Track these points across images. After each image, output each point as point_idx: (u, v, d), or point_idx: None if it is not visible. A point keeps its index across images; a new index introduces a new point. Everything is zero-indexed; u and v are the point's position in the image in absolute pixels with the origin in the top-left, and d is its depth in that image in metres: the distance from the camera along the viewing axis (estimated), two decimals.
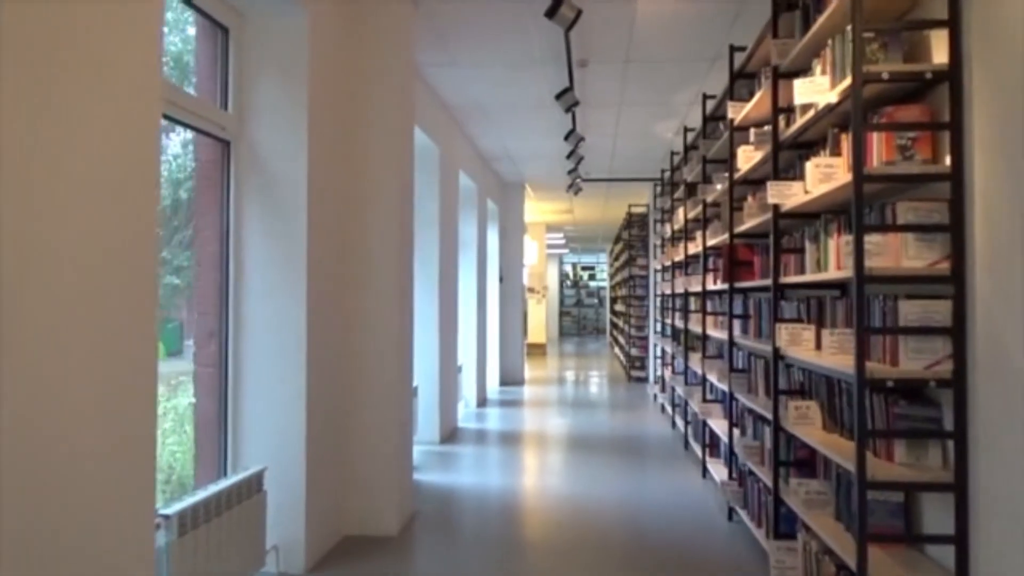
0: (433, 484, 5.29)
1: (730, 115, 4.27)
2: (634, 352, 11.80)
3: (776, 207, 3.35)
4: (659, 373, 9.10)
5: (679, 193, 7.12)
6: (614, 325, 17.44)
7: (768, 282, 3.67)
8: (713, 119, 5.42)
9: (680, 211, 6.83)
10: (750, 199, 4.16)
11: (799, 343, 3.17)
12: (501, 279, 10.91)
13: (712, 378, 5.15)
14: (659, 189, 9.25)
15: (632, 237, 11.97)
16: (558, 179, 10.31)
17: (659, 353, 9.22)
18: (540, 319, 17.58)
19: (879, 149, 2.48)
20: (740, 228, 4.23)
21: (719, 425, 5.02)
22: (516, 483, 5.39)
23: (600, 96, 6.34)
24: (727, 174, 4.69)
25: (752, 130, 4.17)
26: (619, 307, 15.63)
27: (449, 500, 4.94)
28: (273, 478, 3.40)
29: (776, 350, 3.34)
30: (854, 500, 2.67)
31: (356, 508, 4.09)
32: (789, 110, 3.42)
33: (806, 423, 3.05)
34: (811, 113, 2.94)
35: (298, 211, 3.50)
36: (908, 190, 2.59)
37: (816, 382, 3.18)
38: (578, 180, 8.68)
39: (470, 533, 4.28)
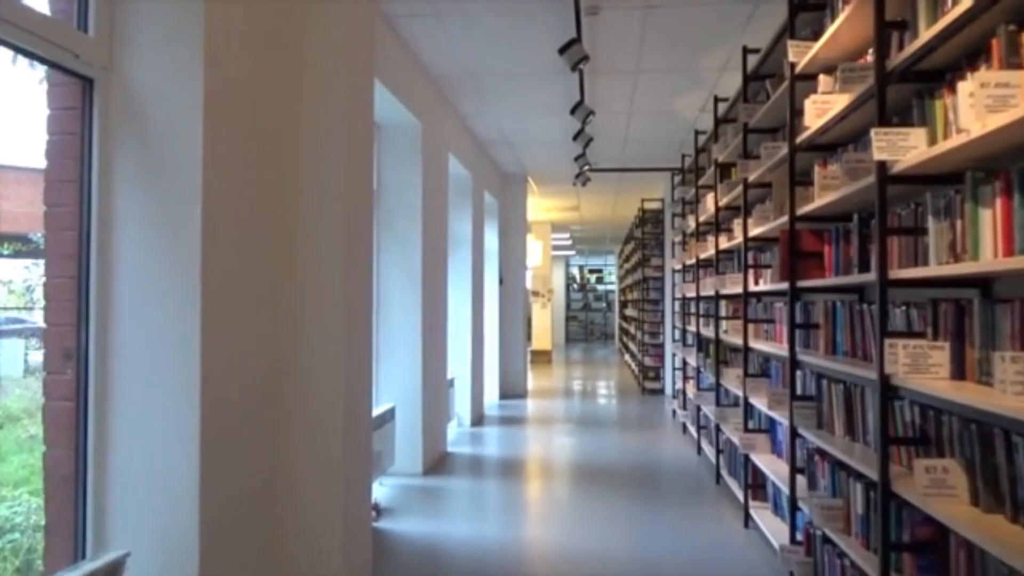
0: (405, 536, 4.23)
1: (792, 58, 3.21)
2: (648, 361, 10.72)
3: (883, 167, 2.29)
4: (678, 386, 8.03)
5: (706, 179, 6.06)
6: (624, 331, 16.37)
7: (861, 278, 2.61)
8: (758, 78, 4.36)
9: (708, 198, 5.76)
10: (820, 170, 3.11)
11: (923, 369, 2.11)
12: (501, 281, 9.86)
13: (758, 402, 4.08)
14: (679, 178, 8.19)
15: (645, 235, 10.90)
16: (563, 170, 9.25)
17: (678, 364, 8.15)
18: (545, 324, 16.52)
19: None
20: (806, 209, 3.18)
21: (768, 463, 3.95)
22: (509, 532, 4.33)
23: (613, 59, 5.29)
24: (782, 141, 3.63)
25: (821, 79, 3.12)
26: (630, 312, 14.55)
27: (421, 559, 3.89)
28: (151, 558, 2.36)
29: (886, 379, 2.27)
30: None
31: None
32: (899, 26, 2.36)
33: (945, 495, 1.98)
34: (957, 12, 1.88)
35: (189, 184, 2.45)
36: None
37: (953, 428, 2.11)
38: (586, 168, 7.62)
39: None
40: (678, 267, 7.85)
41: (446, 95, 6.18)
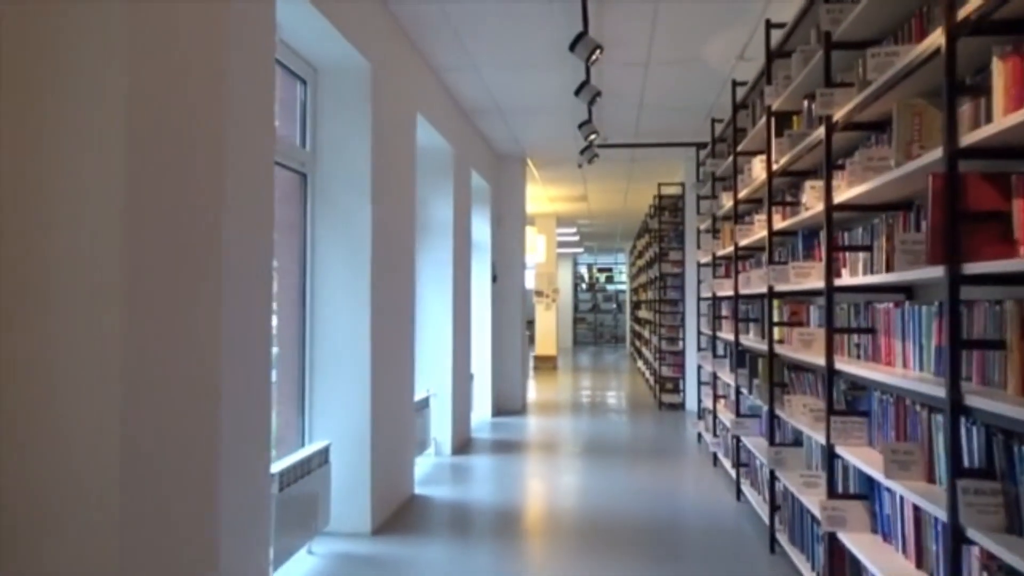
0: None
1: None
2: (665, 371, 9.28)
3: None
4: (706, 405, 6.60)
5: (750, 140, 4.63)
6: (636, 335, 14.92)
7: None
8: None
9: (755, 164, 4.34)
10: (1003, 66, 1.70)
11: None
12: (495, 279, 8.45)
13: (853, 456, 2.66)
14: (707, 152, 6.74)
15: (663, 225, 9.46)
16: (567, 149, 7.85)
17: (705, 378, 6.72)
18: (550, 327, 15.07)
19: None
20: (979, 137, 1.76)
21: (871, 551, 2.52)
22: None
23: None
24: (902, 45, 2.22)
25: None
26: (643, 313, 13.11)
27: None
28: None
29: None
30: None
31: None
32: None
33: None
34: None
35: None
36: None
37: None
38: (593, 138, 6.20)
39: None
40: (706, 260, 6.42)
41: (409, 33, 4.77)
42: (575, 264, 23.74)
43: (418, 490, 5.07)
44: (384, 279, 4.33)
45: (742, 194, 4.76)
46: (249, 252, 2.57)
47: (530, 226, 12.42)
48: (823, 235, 3.30)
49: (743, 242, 4.74)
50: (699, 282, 6.96)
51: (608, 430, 7.76)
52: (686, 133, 7.32)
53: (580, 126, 6.00)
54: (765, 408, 4.33)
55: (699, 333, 7.07)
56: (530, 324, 14.76)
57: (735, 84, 5.07)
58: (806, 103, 3.49)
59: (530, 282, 15.78)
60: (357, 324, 4.09)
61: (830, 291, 2.90)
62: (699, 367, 6.95)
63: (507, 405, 8.65)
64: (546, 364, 14.77)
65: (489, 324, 8.21)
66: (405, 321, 4.87)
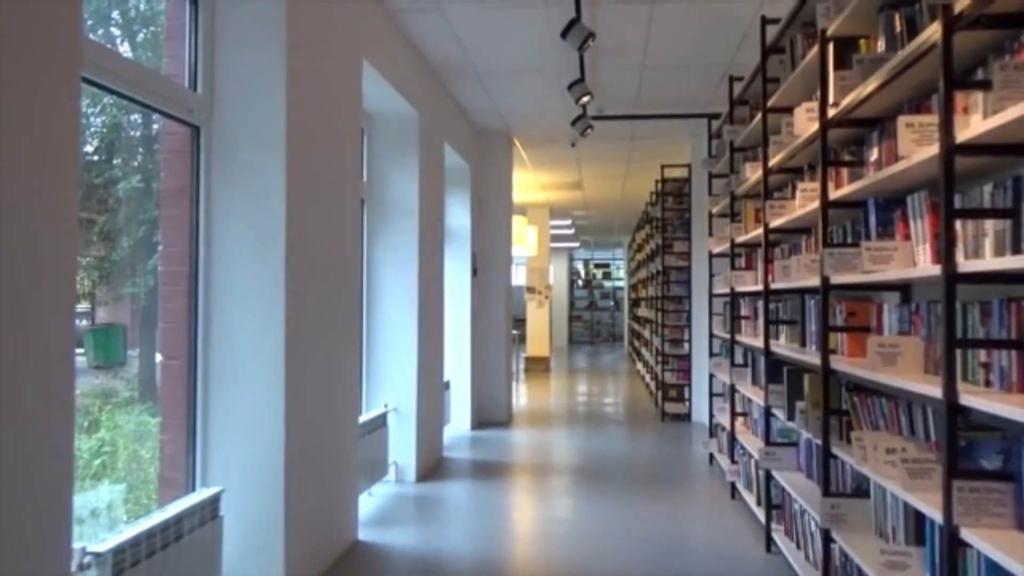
0: None
1: None
2: (668, 377, 8.23)
3: None
4: (719, 420, 5.57)
5: (786, 92, 3.58)
6: (636, 334, 13.87)
7: None
8: None
9: (799, 116, 3.27)
10: None
11: None
12: (475, 272, 7.40)
13: (988, 545, 1.63)
14: (723, 119, 5.68)
15: (666, 212, 8.41)
16: (556, 124, 6.79)
17: (719, 388, 5.69)
18: (542, 326, 14.02)
19: None
20: None
21: None
22: None
23: None
24: None
25: None
26: (642, 311, 12.07)
27: None
28: None
29: None
30: None
31: None
32: None
33: None
34: None
35: None
36: None
37: None
38: (586, 103, 5.16)
39: None
40: (720, 249, 5.38)
41: None
42: (571, 259, 22.72)
43: (363, 535, 4.03)
44: (312, 266, 3.29)
45: (775, 160, 3.71)
46: None
47: (521, 216, 11.39)
48: (918, 199, 2.27)
49: (775, 222, 3.70)
50: (711, 276, 5.92)
51: (605, 447, 6.71)
52: (696, 102, 6.28)
53: (571, 86, 4.96)
54: (806, 436, 3.31)
55: (711, 335, 6.03)
56: (520, 323, 13.74)
57: (765, 21, 4.01)
58: (883, 18, 2.46)
59: (521, 278, 14.74)
60: (267, 325, 3.04)
61: (951, 281, 1.86)
62: (711, 375, 5.91)
63: (489, 416, 7.61)
64: (538, 365, 13.73)
65: (468, 324, 7.16)
66: (347, 321, 3.82)
